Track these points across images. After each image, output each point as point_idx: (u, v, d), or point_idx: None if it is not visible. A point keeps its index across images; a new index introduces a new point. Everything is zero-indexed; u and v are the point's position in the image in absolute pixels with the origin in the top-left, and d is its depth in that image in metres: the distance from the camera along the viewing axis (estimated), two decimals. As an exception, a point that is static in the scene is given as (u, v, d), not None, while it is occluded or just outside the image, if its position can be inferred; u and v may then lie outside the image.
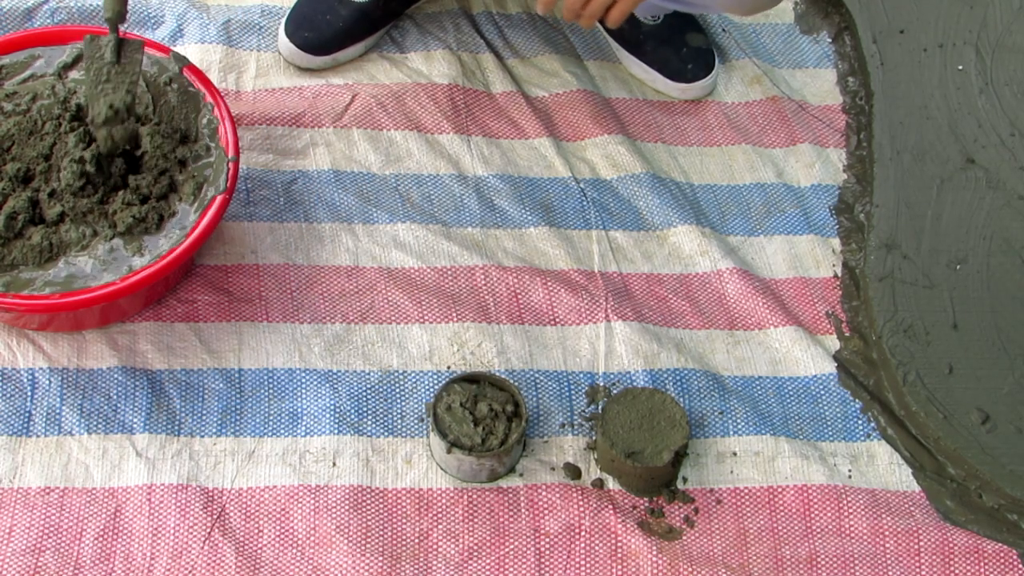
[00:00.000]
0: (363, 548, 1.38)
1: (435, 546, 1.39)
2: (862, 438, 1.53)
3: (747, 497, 1.46)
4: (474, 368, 1.52)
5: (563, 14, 1.55)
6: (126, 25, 1.79)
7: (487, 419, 1.41)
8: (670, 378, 1.53)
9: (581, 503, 1.43)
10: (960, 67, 1.87)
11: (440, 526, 1.41)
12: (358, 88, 1.77)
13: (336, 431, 1.46)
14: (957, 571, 1.42)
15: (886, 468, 1.51)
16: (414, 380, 1.51)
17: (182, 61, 1.56)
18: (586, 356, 1.56)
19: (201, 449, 1.44)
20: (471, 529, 1.41)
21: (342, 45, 1.78)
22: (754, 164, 1.79)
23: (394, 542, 1.39)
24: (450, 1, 1.88)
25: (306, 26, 1.77)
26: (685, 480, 1.47)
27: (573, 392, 1.53)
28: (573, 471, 1.46)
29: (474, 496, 1.43)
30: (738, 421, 1.51)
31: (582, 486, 1.45)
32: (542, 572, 1.39)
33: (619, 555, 1.40)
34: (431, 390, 1.51)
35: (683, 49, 1.84)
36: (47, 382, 1.47)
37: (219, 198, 1.47)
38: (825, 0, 1.95)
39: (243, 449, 1.45)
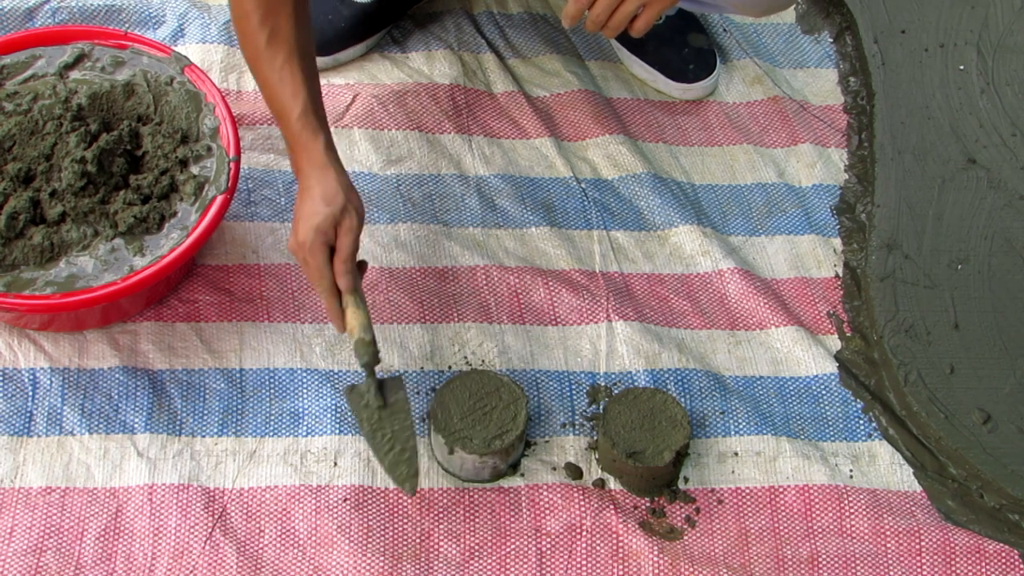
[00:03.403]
0: (364, 548, 1.38)
1: (436, 546, 1.39)
2: (863, 438, 1.53)
3: (748, 497, 1.46)
4: (475, 368, 1.52)
5: (587, 26, 1.52)
6: (127, 25, 1.79)
7: (489, 417, 1.41)
8: (671, 378, 1.53)
9: (582, 503, 1.43)
10: (961, 67, 1.87)
11: (441, 526, 1.41)
12: (359, 88, 1.76)
13: (337, 431, 1.46)
14: (958, 571, 1.42)
15: (887, 468, 1.50)
16: (415, 380, 1.51)
17: (183, 61, 1.56)
18: (587, 356, 1.56)
19: (202, 449, 1.44)
20: (472, 529, 1.41)
21: (343, 45, 1.78)
22: (755, 164, 1.79)
23: (395, 542, 1.39)
24: (451, 1, 1.88)
25: (307, 26, 1.77)
26: (686, 480, 1.47)
27: (574, 392, 1.53)
28: (574, 471, 1.46)
29: (475, 496, 1.43)
30: (739, 421, 1.51)
31: (583, 486, 1.45)
32: (543, 572, 1.39)
33: (620, 555, 1.40)
34: (432, 390, 1.50)
35: (684, 49, 1.84)
36: (48, 382, 1.47)
37: (220, 198, 1.46)
38: (826, 0, 1.95)
39: (244, 449, 1.45)
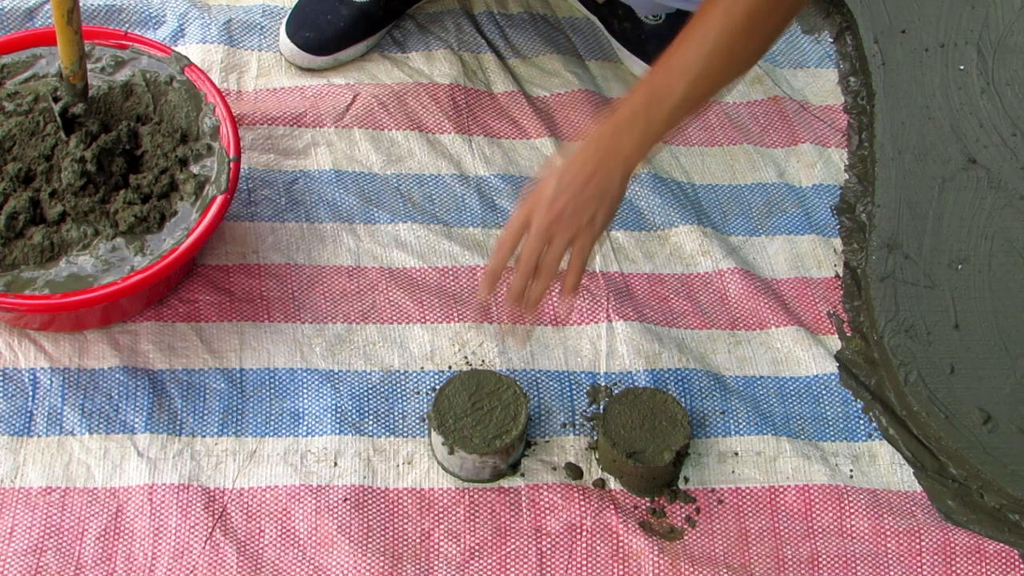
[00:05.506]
0: (364, 548, 1.38)
1: (437, 546, 1.39)
2: (863, 438, 1.53)
3: (749, 497, 1.46)
4: (475, 368, 1.52)
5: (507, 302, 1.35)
6: (127, 25, 1.79)
7: (489, 417, 1.41)
8: (671, 378, 1.53)
9: (583, 503, 1.43)
10: (962, 67, 1.86)
11: (442, 526, 1.41)
12: (359, 88, 1.76)
13: (337, 431, 1.46)
14: (959, 571, 1.42)
15: (887, 468, 1.50)
16: (415, 380, 1.51)
17: (183, 61, 1.56)
18: (587, 356, 1.55)
19: (203, 449, 1.44)
20: (473, 529, 1.41)
21: (343, 45, 1.78)
22: (755, 164, 1.79)
23: (396, 542, 1.39)
24: (451, 1, 1.88)
25: (307, 26, 1.77)
26: (686, 480, 1.47)
27: (575, 392, 1.53)
28: (574, 471, 1.46)
29: (476, 496, 1.43)
30: (739, 421, 1.51)
31: (583, 486, 1.45)
32: (544, 572, 1.38)
33: (620, 555, 1.40)
34: (432, 390, 1.50)
35: (684, 49, 1.84)
36: (48, 382, 1.47)
37: (220, 198, 1.47)
38: (826, 0, 1.95)
39: (244, 449, 1.45)
